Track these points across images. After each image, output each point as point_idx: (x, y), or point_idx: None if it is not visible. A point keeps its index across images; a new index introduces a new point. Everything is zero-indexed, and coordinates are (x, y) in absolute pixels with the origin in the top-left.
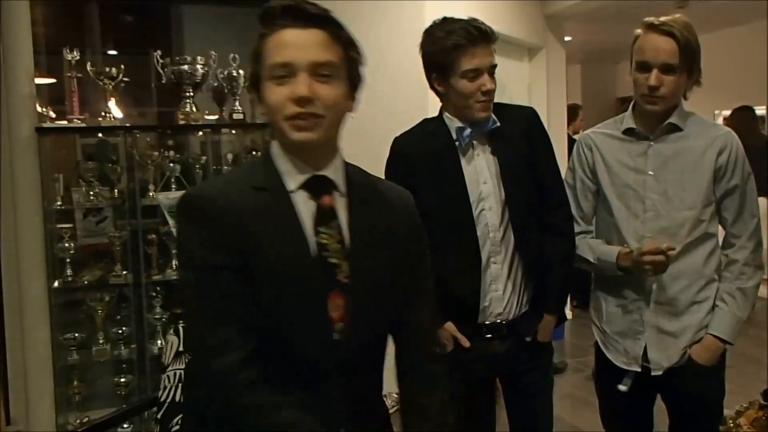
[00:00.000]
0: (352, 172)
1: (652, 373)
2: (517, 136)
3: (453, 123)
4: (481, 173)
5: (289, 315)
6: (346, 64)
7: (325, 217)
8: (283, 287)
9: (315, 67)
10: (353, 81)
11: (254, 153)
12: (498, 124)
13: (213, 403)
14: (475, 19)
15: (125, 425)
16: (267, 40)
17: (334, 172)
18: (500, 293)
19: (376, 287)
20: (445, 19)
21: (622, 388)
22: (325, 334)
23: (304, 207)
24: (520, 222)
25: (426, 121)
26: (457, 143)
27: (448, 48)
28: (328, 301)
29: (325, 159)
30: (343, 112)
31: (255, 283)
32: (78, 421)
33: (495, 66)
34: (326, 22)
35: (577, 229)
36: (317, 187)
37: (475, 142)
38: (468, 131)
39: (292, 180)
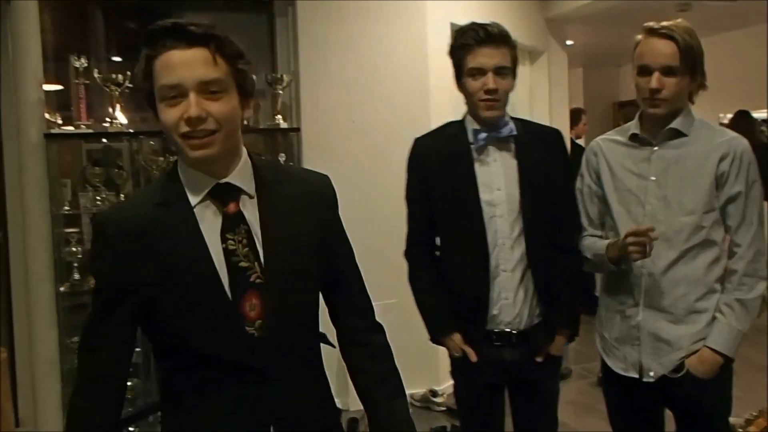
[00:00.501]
0: (264, 169)
1: (644, 380)
2: (541, 150)
3: (471, 126)
4: (496, 179)
5: (205, 323)
6: (235, 77)
7: (231, 223)
8: (193, 298)
9: (203, 85)
10: (245, 90)
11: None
12: (514, 132)
13: None
14: (490, 23)
15: (131, 429)
16: (155, 62)
17: (238, 177)
18: (510, 302)
19: (291, 283)
20: (471, 23)
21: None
22: (243, 334)
23: (212, 216)
24: (533, 234)
25: (450, 123)
26: (472, 146)
27: (458, 47)
28: (243, 302)
29: (228, 166)
30: (239, 120)
31: (163, 299)
32: None
33: (503, 67)
34: (210, 40)
35: (584, 233)
36: (222, 194)
37: (492, 147)
38: (483, 135)
39: (196, 192)
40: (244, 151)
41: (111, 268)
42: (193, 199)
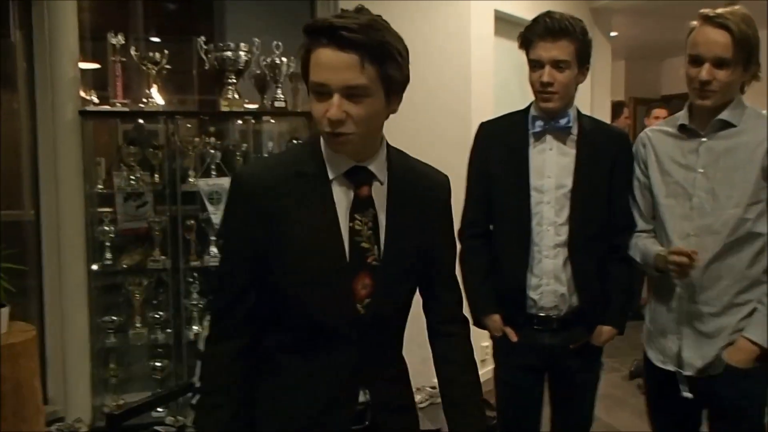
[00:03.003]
0: (395, 160)
1: (684, 373)
2: (606, 149)
3: (532, 113)
4: (548, 167)
5: (320, 291)
6: (383, 81)
7: (361, 205)
8: (315, 265)
9: (347, 89)
10: (393, 90)
11: (294, 141)
12: (571, 123)
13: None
14: (555, 15)
15: (160, 409)
16: (311, 54)
17: (375, 164)
18: (551, 288)
19: (402, 271)
20: (541, 14)
21: (685, 395)
22: (351, 309)
23: (343, 195)
24: (579, 225)
25: (517, 111)
26: (530, 132)
27: (522, 40)
28: (356, 280)
29: (367, 154)
30: (382, 119)
31: (286, 261)
32: (114, 404)
33: (561, 61)
34: (362, 47)
35: (637, 228)
36: (357, 177)
37: (550, 136)
38: (540, 122)
39: (334, 169)
40: (384, 140)
41: (248, 221)
42: (331, 173)
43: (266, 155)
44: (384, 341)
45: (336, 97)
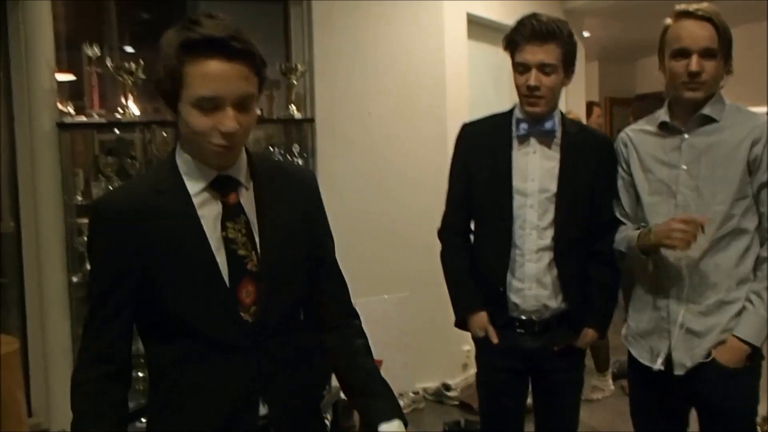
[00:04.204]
0: (258, 162)
1: (675, 373)
2: (591, 155)
3: (516, 115)
4: (531, 170)
5: (202, 308)
6: (260, 88)
7: (231, 213)
8: (191, 283)
9: (240, 99)
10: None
11: (271, 148)
12: (556, 128)
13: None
14: (541, 18)
15: (143, 419)
16: (190, 66)
17: (237, 170)
18: (534, 292)
19: (284, 271)
20: (526, 16)
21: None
22: (238, 319)
23: (210, 205)
24: (563, 228)
25: (500, 112)
26: (514, 135)
27: (508, 42)
28: (239, 288)
29: (231, 162)
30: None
31: (159, 282)
32: None
33: (547, 65)
34: (248, 56)
35: (620, 228)
36: (222, 186)
37: (533, 139)
38: (525, 125)
39: (196, 182)
40: (244, 146)
41: (109, 249)
42: (192, 188)
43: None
44: (284, 349)
45: (230, 110)
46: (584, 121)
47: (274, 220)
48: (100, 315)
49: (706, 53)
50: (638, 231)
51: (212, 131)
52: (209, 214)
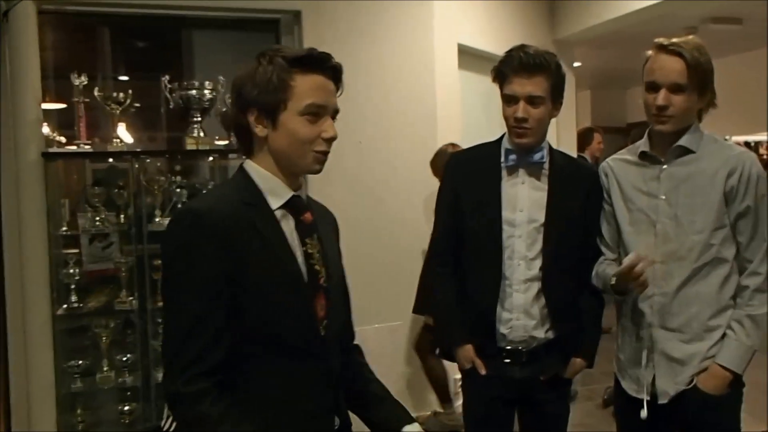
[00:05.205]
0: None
1: (659, 401)
2: (579, 186)
3: (505, 146)
4: (520, 201)
5: (286, 316)
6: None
7: (308, 230)
8: (277, 293)
9: (335, 113)
10: None
11: None
12: (545, 159)
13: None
14: (530, 50)
15: None
16: (302, 78)
17: (303, 193)
18: (521, 322)
19: (341, 289)
20: (514, 48)
21: (643, 414)
22: (315, 329)
23: (286, 221)
24: (551, 259)
25: (489, 142)
26: (503, 165)
27: (497, 74)
28: (315, 302)
29: (300, 184)
30: None
31: (246, 292)
32: None
33: (536, 97)
34: (340, 77)
35: (601, 258)
36: (296, 205)
37: (522, 170)
38: (513, 156)
39: (276, 198)
40: None
41: (215, 255)
42: (272, 203)
43: (204, 191)
44: (340, 363)
45: (329, 119)
46: (575, 148)
47: (329, 244)
48: (204, 335)
49: (674, 88)
50: (612, 272)
51: (317, 139)
52: (287, 229)
